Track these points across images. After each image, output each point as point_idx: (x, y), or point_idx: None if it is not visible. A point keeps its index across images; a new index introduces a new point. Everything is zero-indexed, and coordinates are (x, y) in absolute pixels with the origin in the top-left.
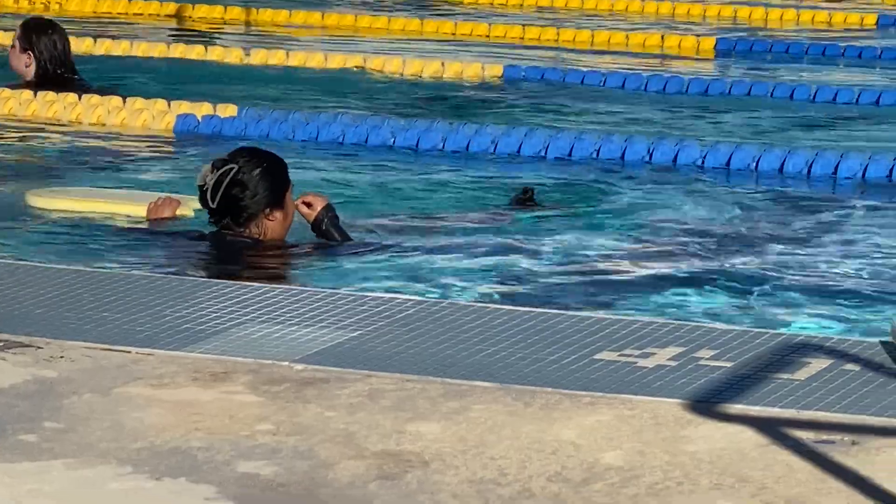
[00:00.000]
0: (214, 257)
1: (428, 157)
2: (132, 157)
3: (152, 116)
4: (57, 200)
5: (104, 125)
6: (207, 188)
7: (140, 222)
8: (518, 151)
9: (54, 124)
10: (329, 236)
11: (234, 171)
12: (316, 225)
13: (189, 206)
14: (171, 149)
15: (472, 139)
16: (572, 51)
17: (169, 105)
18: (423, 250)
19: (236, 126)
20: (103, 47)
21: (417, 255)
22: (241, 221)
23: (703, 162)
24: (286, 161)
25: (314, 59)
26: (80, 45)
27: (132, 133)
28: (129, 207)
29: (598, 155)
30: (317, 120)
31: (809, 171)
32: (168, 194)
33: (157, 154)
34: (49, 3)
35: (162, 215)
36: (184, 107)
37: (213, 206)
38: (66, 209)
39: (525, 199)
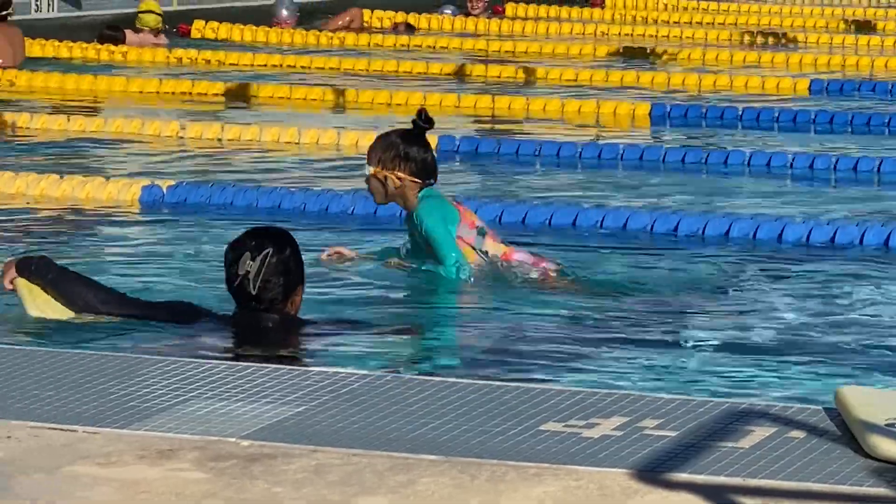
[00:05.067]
0: (265, 338)
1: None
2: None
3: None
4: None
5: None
6: (251, 276)
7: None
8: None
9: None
10: None
11: (270, 255)
12: None
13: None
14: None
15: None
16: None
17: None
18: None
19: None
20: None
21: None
22: (278, 302)
23: (651, 227)
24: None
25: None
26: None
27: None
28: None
29: (550, 223)
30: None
31: (755, 236)
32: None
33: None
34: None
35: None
36: None
37: (254, 291)
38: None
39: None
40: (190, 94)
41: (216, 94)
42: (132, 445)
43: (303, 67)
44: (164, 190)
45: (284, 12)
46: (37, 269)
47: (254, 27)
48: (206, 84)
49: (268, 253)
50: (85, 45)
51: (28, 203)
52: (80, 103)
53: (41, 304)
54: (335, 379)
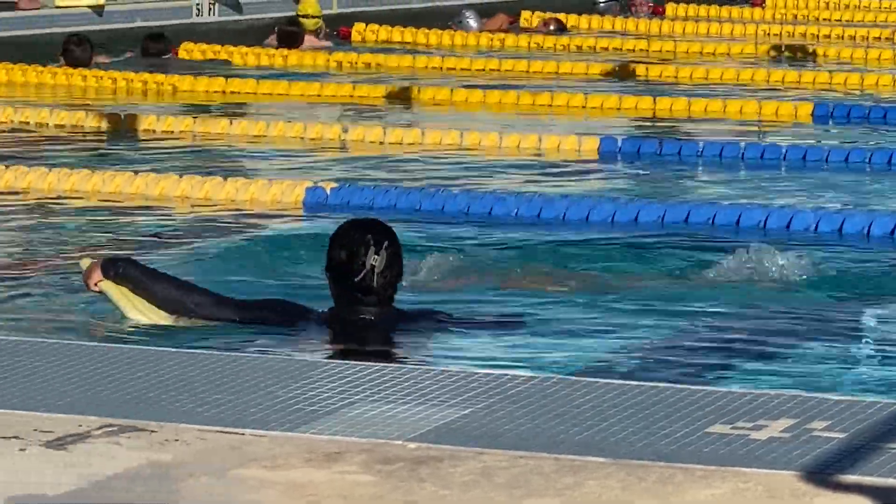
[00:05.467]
0: (374, 335)
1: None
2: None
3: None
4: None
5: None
6: (377, 270)
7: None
8: (612, 220)
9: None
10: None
11: (387, 246)
12: None
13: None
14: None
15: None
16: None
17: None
18: (529, 324)
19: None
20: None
21: (525, 329)
22: (391, 295)
23: (816, 227)
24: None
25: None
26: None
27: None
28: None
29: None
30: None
31: None
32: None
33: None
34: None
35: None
36: None
37: (376, 285)
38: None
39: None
40: (352, 96)
41: (377, 97)
42: (299, 448)
43: (463, 70)
44: (328, 192)
45: (473, 24)
46: (124, 272)
47: (414, 29)
48: (368, 87)
49: (387, 245)
50: (245, 49)
51: (192, 206)
52: (243, 107)
53: (139, 306)
54: (501, 381)
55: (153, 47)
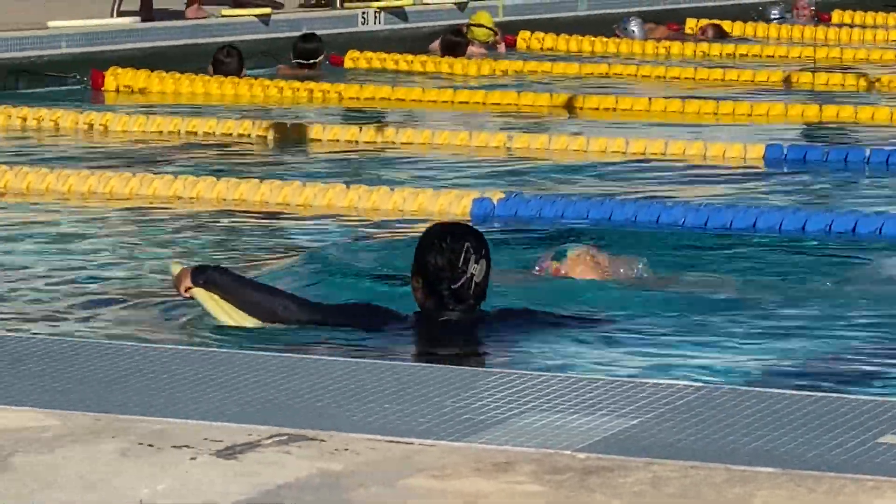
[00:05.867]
0: (478, 337)
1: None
2: None
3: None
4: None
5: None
6: (476, 278)
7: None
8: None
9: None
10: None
11: (485, 254)
12: None
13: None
14: None
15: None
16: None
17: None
18: (686, 332)
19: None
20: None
21: (680, 336)
22: (483, 301)
23: None
24: None
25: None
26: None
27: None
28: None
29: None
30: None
31: None
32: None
33: None
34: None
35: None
36: None
37: (472, 291)
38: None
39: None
40: (516, 105)
41: (542, 105)
42: (468, 458)
43: (628, 77)
44: (495, 202)
45: (634, 30)
46: (212, 278)
47: (579, 37)
48: (533, 95)
49: (484, 253)
50: (411, 56)
51: (359, 215)
52: (408, 115)
53: (229, 311)
54: (670, 391)
55: (305, 48)
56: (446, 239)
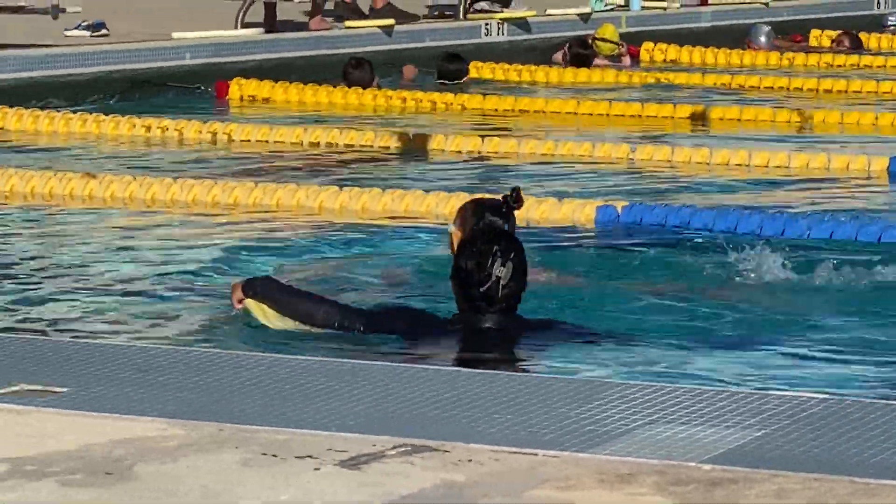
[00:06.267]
0: (512, 342)
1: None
2: None
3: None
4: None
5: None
6: (502, 280)
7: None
8: None
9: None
10: None
11: (516, 259)
12: None
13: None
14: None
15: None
16: None
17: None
18: (792, 343)
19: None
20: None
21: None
22: (513, 305)
23: None
24: None
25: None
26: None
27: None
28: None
29: None
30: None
31: None
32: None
33: None
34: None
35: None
36: None
37: (500, 294)
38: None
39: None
40: (640, 116)
41: (666, 116)
42: (591, 469)
43: (751, 88)
44: (619, 211)
45: (763, 39)
46: (261, 289)
47: (702, 48)
48: (656, 106)
49: (513, 257)
50: (534, 67)
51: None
52: (533, 126)
53: (275, 321)
54: (795, 403)
55: (449, 68)
56: (477, 243)
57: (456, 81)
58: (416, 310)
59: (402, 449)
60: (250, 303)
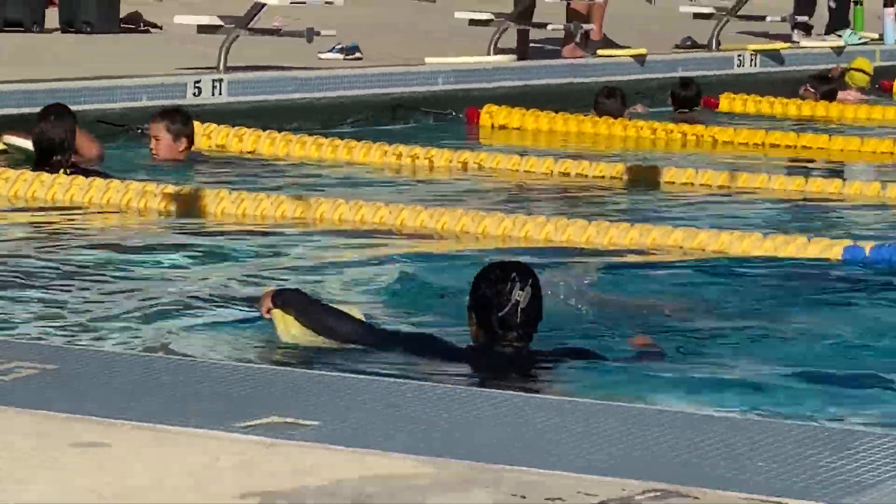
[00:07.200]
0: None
1: None
2: None
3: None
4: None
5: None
6: (521, 306)
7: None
8: None
9: None
10: None
11: (533, 287)
12: None
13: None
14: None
15: None
16: None
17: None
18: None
19: None
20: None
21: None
22: (529, 334)
23: None
24: None
25: None
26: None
27: None
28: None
29: None
30: None
31: None
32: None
33: None
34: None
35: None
36: None
37: (518, 321)
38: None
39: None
40: (893, 153)
41: None
42: None
43: None
44: (867, 251)
45: None
46: (289, 300)
47: None
48: None
49: (531, 284)
50: (785, 100)
51: (685, 254)
52: (781, 161)
53: (295, 334)
54: None
55: (684, 95)
56: (495, 271)
57: (694, 109)
58: (438, 338)
59: (652, 494)
60: (276, 313)
